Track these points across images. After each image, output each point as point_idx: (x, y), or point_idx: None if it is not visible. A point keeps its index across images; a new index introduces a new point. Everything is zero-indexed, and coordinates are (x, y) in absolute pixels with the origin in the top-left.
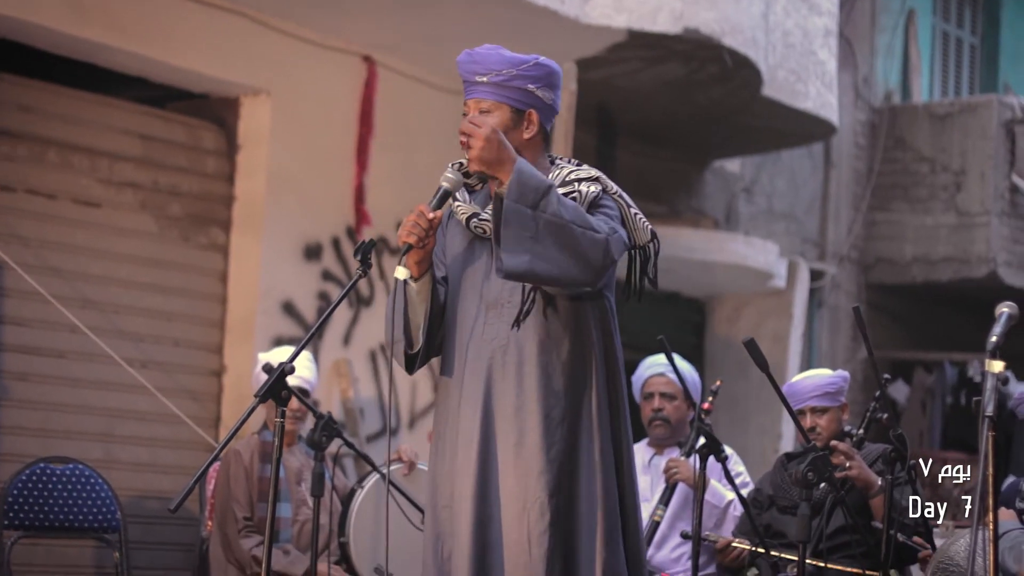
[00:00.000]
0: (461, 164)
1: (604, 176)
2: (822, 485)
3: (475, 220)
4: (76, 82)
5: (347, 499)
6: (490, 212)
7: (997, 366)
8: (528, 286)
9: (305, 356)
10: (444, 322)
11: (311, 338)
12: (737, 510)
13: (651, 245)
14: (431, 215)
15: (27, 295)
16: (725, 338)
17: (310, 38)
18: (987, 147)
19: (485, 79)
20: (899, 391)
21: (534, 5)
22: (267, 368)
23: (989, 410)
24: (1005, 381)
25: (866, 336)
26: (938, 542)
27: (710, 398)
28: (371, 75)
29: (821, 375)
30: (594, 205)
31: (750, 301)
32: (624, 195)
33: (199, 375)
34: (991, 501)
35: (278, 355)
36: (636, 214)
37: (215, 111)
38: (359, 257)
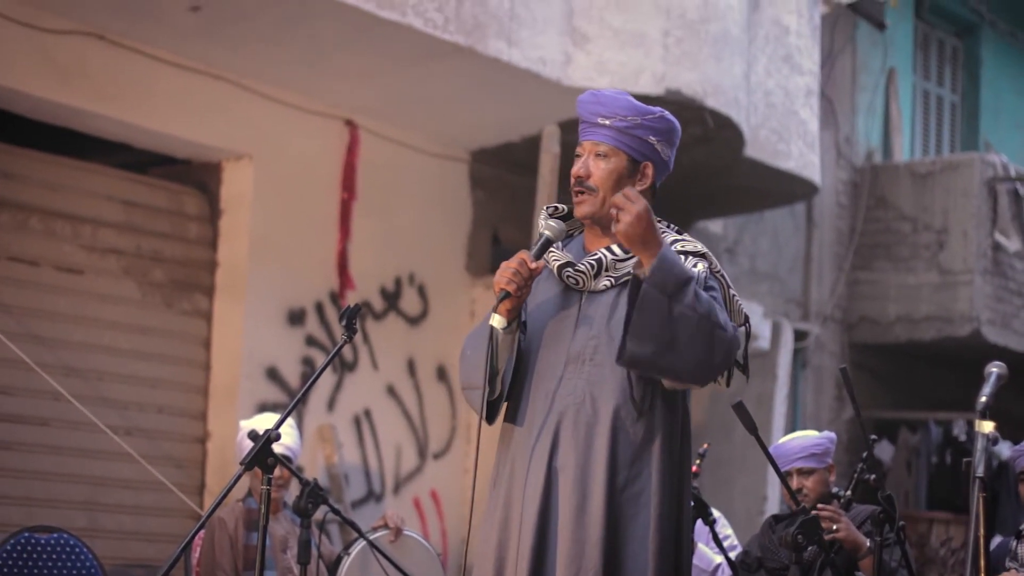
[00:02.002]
0: (556, 208)
1: (709, 252)
2: (811, 547)
3: (568, 270)
4: (58, 148)
5: (333, 566)
6: (586, 264)
7: (987, 426)
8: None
9: (288, 423)
10: (521, 369)
11: (296, 405)
12: (725, 574)
13: (743, 329)
14: (533, 265)
15: (10, 363)
16: (709, 400)
17: (292, 102)
18: (969, 205)
19: (608, 122)
20: (884, 451)
21: (516, 68)
22: (251, 435)
23: (980, 471)
24: (995, 441)
25: (853, 397)
26: None
27: (698, 461)
28: (353, 139)
29: (807, 436)
30: (705, 288)
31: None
32: (725, 275)
33: (183, 442)
34: (983, 562)
35: (261, 422)
36: (734, 295)
37: (197, 176)
38: (344, 323)
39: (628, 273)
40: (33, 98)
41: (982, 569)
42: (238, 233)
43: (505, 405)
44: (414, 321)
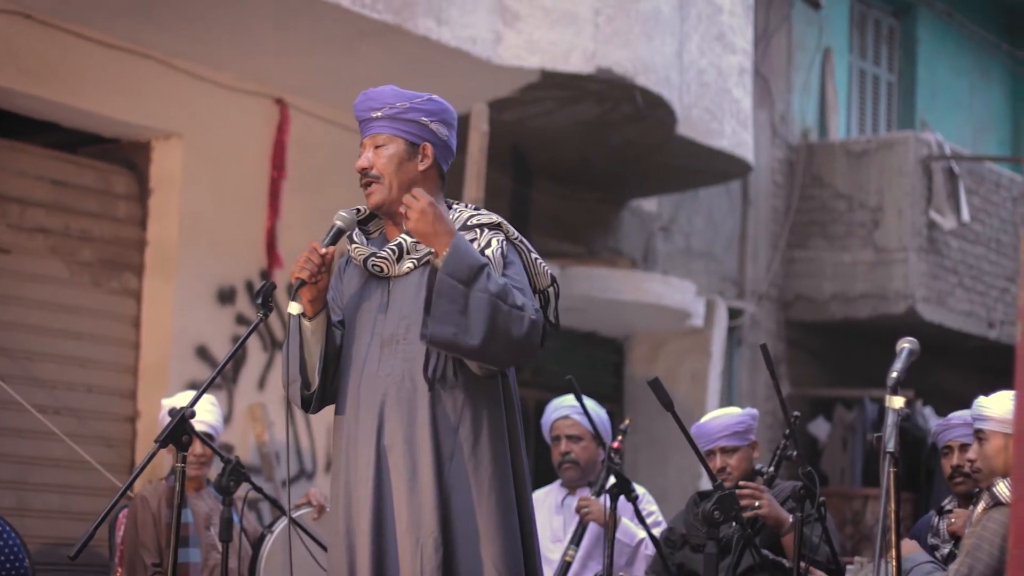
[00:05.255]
0: (359, 210)
1: (505, 222)
2: (733, 524)
3: (372, 259)
4: None
5: (257, 543)
6: (388, 251)
7: (898, 402)
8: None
9: (209, 400)
10: (340, 363)
11: (212, 382)
12: (648, 548)
13: (551, 289)
14: (323, 251)
15: None
16: (644, 378)
17: (221, 81)
18: (904, 184)
19: (380, 113)
20: (820, 428)
21: (446, 47)
22: (172, 413)
23: (890, 446)
24: (907, 416)
25: (773, 374)
26: None
27: (620, 437)
28: (283, 117)
29: (729, 414)
30: (504, 265)
31: (668, 340)
32: (524, 240)
33: (113, 421)
34: (894, 537)
35: (183, 400)
36: (536, 259)
37: (126, 155)
38: (259, 300)
39: (429, 253)
40: None
41: (892, 544)
42: (168, 212)
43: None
44: None
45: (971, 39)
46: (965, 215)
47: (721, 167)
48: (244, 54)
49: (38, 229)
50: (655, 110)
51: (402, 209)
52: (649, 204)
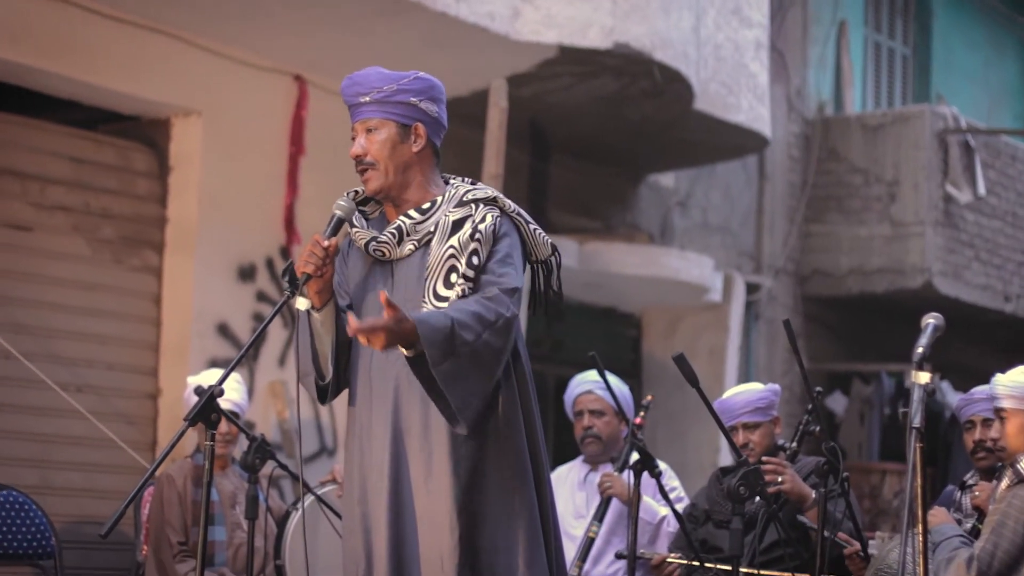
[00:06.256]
0: (356, 192)
1: (500, 195)
2: (756, 499)
3: (373, 243)
4: (5, 105)
5: (282, 521)
6: (388, 235)
7: (924, 377)
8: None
9: (234, 378)
10: (351, 350)
11: (240, 360)
12: (671, 525)
13: (552, 259)
14: (326, 243)
15: None
16: (662, 353)
17: (240, 57)
18: (920, 157)
19: (368, 98)
20: (837, 403)
21: (464, 22)
22: (198, 391)
23: (917, 421)
24: (932, 392)
25: (796, 349)
26: (874, 553)
27: (642, 413)
28: (302, 94)
29: (751, 390)
30: (495, 239)
31: (686, 315)
32: (522, 212)
33: (134, 398)
34: (920, 511)
35: (208, 377)
36: (535, 230)
37: (146, 132)
38: (286, 278)
39: (429, 232)
40: None
41: (919, 519)
42: (187, 189)
43: (346, 389)
44: None
45: (986, 13)
46: (981, 188)
47: (738, 141)
48: (263, 31)
49: (59, 207)
50: (672, 85)
51: (363, 341)
52: (666, 179)
